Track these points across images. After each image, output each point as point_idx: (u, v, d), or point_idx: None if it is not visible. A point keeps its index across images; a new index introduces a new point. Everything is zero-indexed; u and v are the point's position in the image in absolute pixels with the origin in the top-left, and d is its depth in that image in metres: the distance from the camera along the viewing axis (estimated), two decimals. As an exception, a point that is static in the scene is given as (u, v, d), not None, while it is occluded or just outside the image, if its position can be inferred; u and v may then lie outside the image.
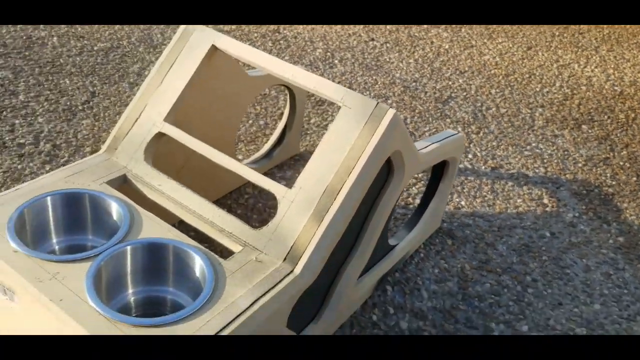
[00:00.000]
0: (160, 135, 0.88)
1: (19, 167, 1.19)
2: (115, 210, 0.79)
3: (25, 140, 1.27)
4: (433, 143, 0.97)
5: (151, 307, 0.77)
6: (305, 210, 0.76)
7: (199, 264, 0.72)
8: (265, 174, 1.28)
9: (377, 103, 0.78)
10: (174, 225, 0.78)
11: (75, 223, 0.80)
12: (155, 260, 0.74)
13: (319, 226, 0.74)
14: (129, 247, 0.71)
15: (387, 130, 0.77)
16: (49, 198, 0.77)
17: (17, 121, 1.33)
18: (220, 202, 1.17)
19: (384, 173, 0.85)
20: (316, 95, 0.80)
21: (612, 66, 2.02)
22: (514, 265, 1.12)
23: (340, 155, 0.77)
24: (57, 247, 0.80)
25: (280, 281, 0.72)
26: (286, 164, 1.32)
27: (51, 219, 0.78)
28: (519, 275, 1.09)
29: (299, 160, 1.34)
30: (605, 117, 1.69)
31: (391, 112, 0.77)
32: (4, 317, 0.73)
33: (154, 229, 0.76)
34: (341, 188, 0.75)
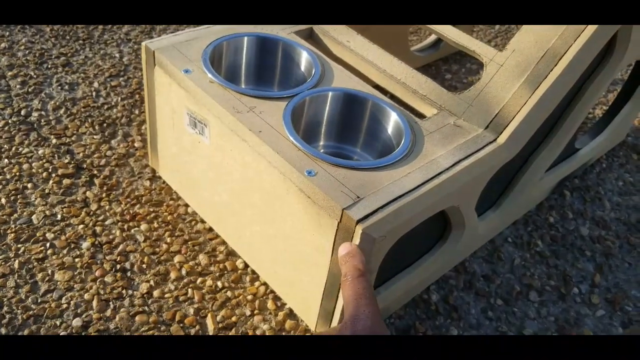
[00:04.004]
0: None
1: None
2: (305, 60, 0.75)
3: None
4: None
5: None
6: (517, 76, 0.67)
7: (394, 121, 0.67)
8: (429, 65, 1.20)
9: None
10: (360, 84, 0.73)
11: (264, 70, 0.77)
12: (351, 114, 0.69)
13: (533, 94, 0.66)
14: (330, 93, 0.67)
15: (628, -8, 0.65)
16: (245, 38, 0.74)
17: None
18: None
19: (602, 50, 0.74)
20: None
21: None
22: None
23: (562, 20, 0.67)
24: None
25: (481, 148, 0.65)
26: (452, 57, 1.23)
27: (244, 61, 0.75)
28: None
29: (465, 56, 1.24)
30: None
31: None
32: (192, 154, 0.73)
33: (346, 82, 0.71)
34: (565, 52, 0.66)
